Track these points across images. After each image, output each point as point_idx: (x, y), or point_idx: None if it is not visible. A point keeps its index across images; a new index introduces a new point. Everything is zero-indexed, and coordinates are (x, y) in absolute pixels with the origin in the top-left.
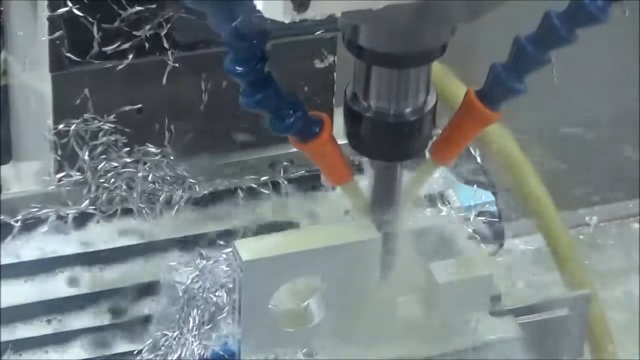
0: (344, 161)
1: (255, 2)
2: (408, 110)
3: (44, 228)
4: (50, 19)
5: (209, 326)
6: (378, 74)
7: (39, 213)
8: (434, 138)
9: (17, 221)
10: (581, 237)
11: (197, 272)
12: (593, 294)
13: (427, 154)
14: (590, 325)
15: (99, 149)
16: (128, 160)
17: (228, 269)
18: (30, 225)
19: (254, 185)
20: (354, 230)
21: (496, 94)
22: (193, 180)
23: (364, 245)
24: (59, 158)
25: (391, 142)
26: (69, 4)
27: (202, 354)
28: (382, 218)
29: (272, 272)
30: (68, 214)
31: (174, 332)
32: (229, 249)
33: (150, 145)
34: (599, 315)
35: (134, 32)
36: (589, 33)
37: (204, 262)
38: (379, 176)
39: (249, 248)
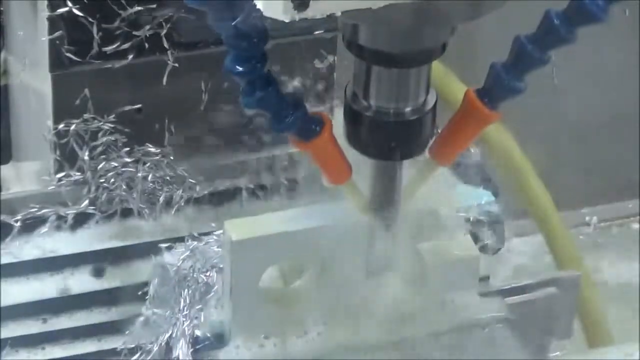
0: (344, 160)
1: (255, 1)
2: (408, 109)
3: (44, 228)
4: (50, 19)
5: (200, 306)
6: (378, 73)
7: (39, 213)
8: (434, 138)
9: (17, 221)
10: (581, 237)
11: (188, 253)
12: (592, 293)
13: (427, 154)
14: (589, 324)
15: (99, 149)
16: (128, 160)
17: (219, 249)
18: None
19: (252, 186)
20: (344, 210)
21: (496, 93)
22: (193, 180)
23: (354, 225)
24: (59, 158)
25: (391, 141)
26: (69, 3)
27: (192, 333)
28: (382, 218)
29: (261, 252)
30: (68, 214)
31: (165, 311)
32: (220, 230)
33: (150, 145)
34: (600, 316)
35: (134, 32)
36: (589, 33)
37: (195, 243)
38: (379, 176)
39: (238, 228)
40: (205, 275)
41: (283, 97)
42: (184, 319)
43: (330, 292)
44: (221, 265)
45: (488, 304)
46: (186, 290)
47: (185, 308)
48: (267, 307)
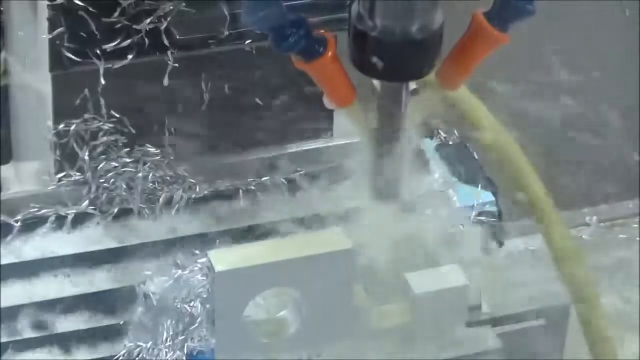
0: (348, 82)
1: None
2: (415, 28)
3: (44, 228)
4: (50, 19)
5: (183, 337)
6: None
7: (39, 213)
8: (441, 61)
9: (17, 221)
10: (583, 237)
11: (171, 282)
12: (593, 293)
13: (434, 77)
14: (590, 324)
15: (99, 149)
16: (128, 160)
17: (203, 278)
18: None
19: (252, 188)
20: (328, 240)
21: (505, 14)
22: (193, 180)
23: (338, 255)
24: (59, 158)
25: (397, 61)
26: None
27: None
28: (386, 141)
29: (246, 282)
30: (68, 214)
31: (147, 343)
32: (204, 259)
33: (150, 145)
34: (600, 315)
35: (134, 26)
36: (589, 33)
37: (180, 271)
38: (385, 98)
39: (223, 258)
40: (189, 306)
41: (286, 16)
42: (167, 350)
43: (315, 322)
44: (205, 295)
45: (477, 333)
46: (169, 320)
47: (168, 339)
48: (252, 338)
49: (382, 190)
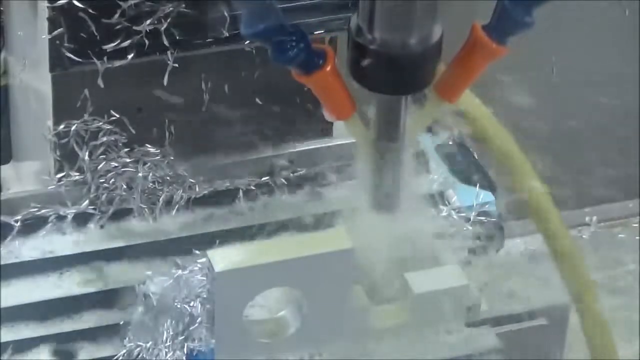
0: (348, 95)
1: None
2: (413, 42)
3: (45, 229)
4: (50, 19)
5: (183, 337)
6: (383, 4)
7: (39, 213)
8: (440, 73)
9: (17, 221)
10: (583, 236)
11: (171, 282)
12: (593, 293)
13: (433, 90)
14: (589, 324)
15: (99, 149)
16: (128, 160)
17: (203, 278)
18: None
19: (252, 188)
20: (328, 240)
21: (504, 27)
22: (193, 180)
23: (338, 255)
24: (59, 158)
25: (396, 74)
26: None
27: None
28: (386, 153)
29: (246, 282)
30: (68, 214)
31: (147, 342)
32: (204, 259)
33: (150, 145)
34: (600, 315)
35: (134, 27)
36: (589, 32)
37: (180, 271)
38: (384, 111)
39: (222, 258)
40: (189, 306)
41: (286, 29)
42: (167, 350)
43: (315, 321)
44: (205, 295)
45: (476, 333)
46: (169, 320)
47: (168, 339)
48: (252, 338)
49: (381, 201)
